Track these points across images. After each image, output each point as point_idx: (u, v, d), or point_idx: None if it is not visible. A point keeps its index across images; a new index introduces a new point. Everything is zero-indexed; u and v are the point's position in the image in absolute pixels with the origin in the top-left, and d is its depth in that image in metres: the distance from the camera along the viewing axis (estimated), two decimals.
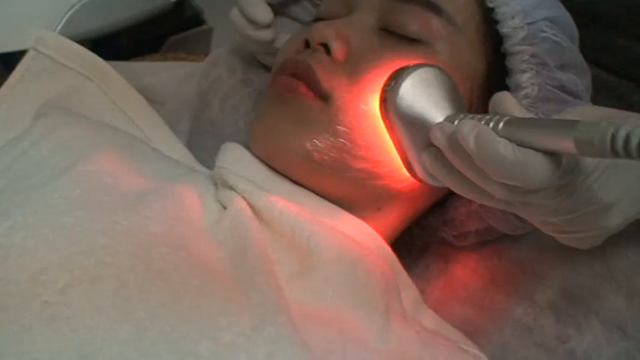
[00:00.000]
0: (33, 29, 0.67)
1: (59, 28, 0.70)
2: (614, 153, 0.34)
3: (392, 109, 0.49)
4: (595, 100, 0.64)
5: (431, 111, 0.49)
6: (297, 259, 0.49)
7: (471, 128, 0.41)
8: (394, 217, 0.57)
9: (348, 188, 0.54)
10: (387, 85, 0.51)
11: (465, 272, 0.64)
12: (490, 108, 0.45)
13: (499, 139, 0.40)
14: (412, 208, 0.58)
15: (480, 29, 0.55)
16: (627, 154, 0.33)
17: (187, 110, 0.68)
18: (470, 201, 0.61)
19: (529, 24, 0.54)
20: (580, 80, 0.58)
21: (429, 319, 0.57)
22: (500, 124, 0.41)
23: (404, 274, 0.56)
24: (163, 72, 0.72)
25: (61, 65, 0.66)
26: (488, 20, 0.55)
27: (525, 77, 0.54)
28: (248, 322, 0.40)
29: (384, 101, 0.51)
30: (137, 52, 0.86)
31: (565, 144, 0.37)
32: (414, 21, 0.53)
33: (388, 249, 0.55)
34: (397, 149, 0.52)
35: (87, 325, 0.38)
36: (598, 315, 0.61)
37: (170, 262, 0.42)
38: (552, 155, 0.40)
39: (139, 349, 0.37)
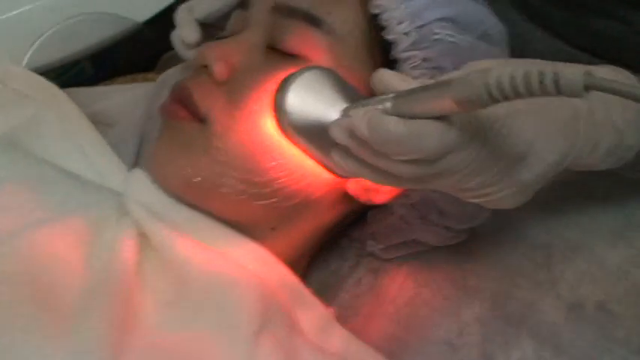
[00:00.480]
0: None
1: (27, 58, 0.75)
2: (493, 100, 0.34)
3: (286, 121, 0.49)
4: None
5: (326, 111, 0.48)
6: (173, 288, 0.50)
7: (362, 116, 0.40)
8: (292, 236, 0.56)
9: (235, 211, 0.54)
10: (275, 99, 0.51)
11: (393, 286, 0.62)
12: (374, 90, 0.44)
13: (388, 117, 0.39)
14: (312, 225, 0.57)
15: (366, 37, 0.53)
16: (504, 97, 0.33)
17: (136, 131, 0.70)
18: (390, 213, 0.59)
19: (419, 27, 0.52)
20: None
21: (337, 340, 0.55)
22: (388, 103, 0.41)
23: (306, 295, 0.55)
24: (117, 95, 0.75)
25: (25, 96, 0.70)
26: (376, 26, 0.53)
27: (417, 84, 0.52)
28: (56, 349, 0.42)
29: (277, 116, 0.50)
30: (132, 70, 0.90)
31: (447, 105, 0.37)
32: (294, 36, 0.53)
33: (283, 270, 0.54)
34: (312, 158, 0.52)
35: None
36: (531, 330, 0.58)
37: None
38: (443, 119, 0.38)
39: None
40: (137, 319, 0.48)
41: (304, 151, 0.51)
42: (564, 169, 0.47)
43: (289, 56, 0.52)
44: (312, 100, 0.48)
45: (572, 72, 0.31)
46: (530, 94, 0.33)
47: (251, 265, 0.53)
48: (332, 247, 0.64)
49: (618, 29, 0.78)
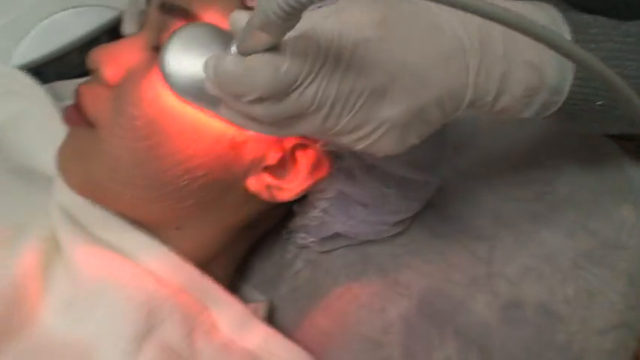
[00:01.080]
0: None
1: (16, 54, 0.79)
2: (287, 13, 0.32)
3: (175, 89, 0.46)
4: None
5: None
6: (71, 290, 0.52)
7: (211, 64, 0.39)
8: (199, 236, 0.55)
9: (135, 212, 0.53)
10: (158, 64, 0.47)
11: (327, 279, 0.60)
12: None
13: (227, 57, 0.38)
14: (220, 225, 0.55)
15: None
16: (289, 13, 0.31)
17: None
18: (313, 207, 0.57)
19: None
20: None
21: (256, 336, 0.55)
22: (235, 45, 0.39)
23: (220, 294, 0.55)
24: None
25: (11, 93, 0.75)
26: None
27: None
28: None
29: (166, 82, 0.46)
30: None
31: (263, 37, 0.35)
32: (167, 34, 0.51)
33: (191, 270, 0.53)
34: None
35: None
36: (458, 330, 0.54)
37: None
38: (275, 50, 0.37)
39: None
40: (31, 320, 0.50)
41: (205, 112, 0.47)
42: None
43: None
44: (193, 57, 0.45)
45: None
46: (305, 3, 0.30)
47: (150, 264, 0.53)
48: (275, 237, 0.63)
49: None
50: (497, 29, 0.41)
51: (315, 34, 0.37)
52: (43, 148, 0.66)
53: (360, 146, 0.42)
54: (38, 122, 0.71)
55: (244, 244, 0.60)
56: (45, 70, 0.81)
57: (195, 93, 0.45)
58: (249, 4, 0.50)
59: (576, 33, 0.44)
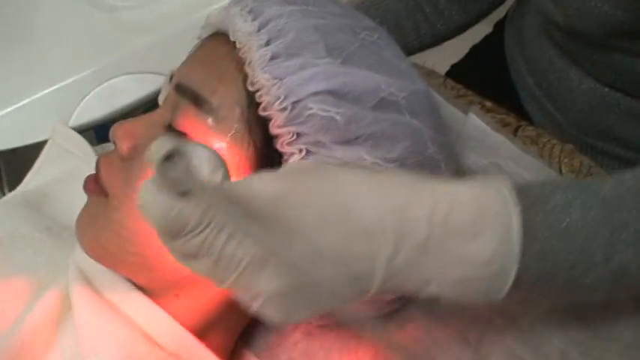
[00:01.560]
0: (52, 122, 0.85)
1: (75, 115, 0.87)
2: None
3: None
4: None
5: None
6: (74, 347, 0.56)
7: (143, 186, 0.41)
8: (196, 303, 0.57)
9: (139, 278, 0.57)
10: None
11: (320, 353, 0.61)
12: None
13: (148, 184, 0.40)
14: (216, 298, 0.57)
15: (245, 114, 0.53)
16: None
17: None
18: None
19: (295, 102, 0.52)
20: (376, 152, 0.52)
21: None
22: None
23: (208, 356, 0.57)
24: None
25: (68, 152, 0.82)
26: (256, 104, 0.53)
27: (295, 158, 0.52)
28: None
29: None
30: None
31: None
32: (183, 115, 0.54)
33: (183, 334, 0.56)
34: None
35: None
36: None
37: None
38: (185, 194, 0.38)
39: None
40: None
41: None
42: None
43: (181, 134, 0.54)
44: None
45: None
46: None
47: (150, 330, 0.56)
48: None
49: None
50: (425, 212, 0.41)
51: (213, 195, 0.39)
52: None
53: (253, 307, 0.41)
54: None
55: (245, 314, 0.62)
56: (100, 131, 0.88)
57: None
58: (249, 86, 0.53)
59: (524, 213, 0.43)
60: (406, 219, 0.41)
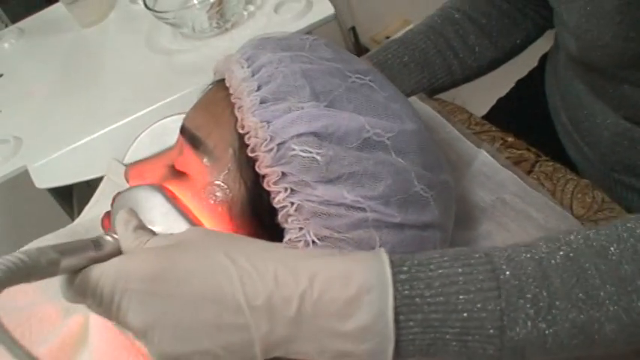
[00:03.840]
0: (108, 160, 0.95)
1: (128, 154, 0.96)
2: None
3: None
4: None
5: None
6: None
7: None
8: None
9: None
10: None
11: None
12: None
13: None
14: None
15: (236, 156, 0.58)
16: None
17: None
18: None
19: (280, 144, 0.56)
20: (358, 190, 0.56)
21: None
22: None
23: None
24: None
25: (120, 187, 0.91)
26: (246, 146, 0.58)
27: (281, 197, 0.56)
28: None
29: None
30: None
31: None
32: (183, 156, 0.61)
33: None
34: None
35: None
36: None
37: None
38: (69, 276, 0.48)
39: None
40: None
41: None
42: None
43: (180, 174, 0.61)
44: None
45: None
46: None
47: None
48: None
49: None
50: (292, 291, 0.46)
51: (95, 277, 0.47)
52: None
53: None
54: None
55: None
56: None
57: None
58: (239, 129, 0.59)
59: (398, 283, 0.46)
60: (279, 296, 0.46)
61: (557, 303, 0.46)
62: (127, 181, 0.65)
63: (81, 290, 0.48)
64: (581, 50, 0.71)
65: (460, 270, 0.47)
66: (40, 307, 0.69)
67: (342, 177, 0.56)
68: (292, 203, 0.55)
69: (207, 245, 0.49)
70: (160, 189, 0.59)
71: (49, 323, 0.68)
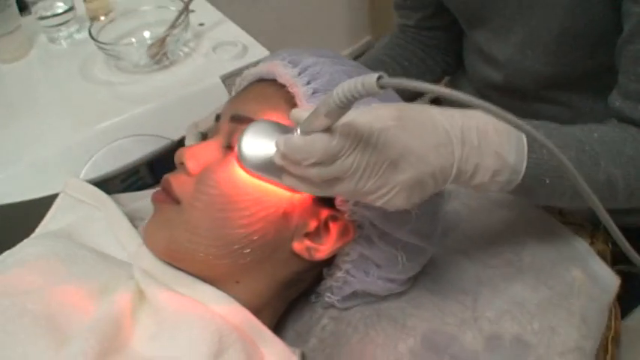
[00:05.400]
0: (64, 177, 1.00)
1: (83, 172, 1.02)
2: (340, 107, 0.54)
3: (247, 166, 0.69)
4: None
5: (272, 148, 0.67)
6: (156, 326, 0.71)
7: (282, 141, 0.62)
8: (253, 288, 0.75)
9: (206, 269, 0.74)
10: (235, 152, 0.70)
11: (348, 330, 0.80)
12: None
13: (293, 135, 0.61)
14: (270, 279, 0.76)
15: None
16: (345, 103, 0.54)
17: None
18: (339, 269, 0.78)
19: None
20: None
21: None
22: (298, 130, 0.62)
23: (267, 333, 0.73)
24: (144, 198, 1.00)
25: (80, 201, 0.97)
26: None
27: None
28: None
29: (241, 164, 0.69)
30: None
31: (323, 119, 0.57)
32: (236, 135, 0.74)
33: (245, 312, 0.73)
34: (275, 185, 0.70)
35: None
36: (452, 356, 0.74)
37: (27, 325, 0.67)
38: (329, 131, 0.58)
39: None
40: (126, 344, 0.69)
41: (269, 182, 0.70)
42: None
43: None
44: (262, 143, 0.68)
45: (371, 76, 0.51)
46: (355, 97, 0.52)
47: (217, 308, 0.72)
48: (304, 302, 0.83)
49: (562, 112, 0.96)
50: (474, 127, 0.66)
51: (355, 123, 0.60)
52: (107, 242, 0.88)
53: (379, 203, 0.64)
54: (102, 222, 0.92)
55: (285, 300, 0.80)
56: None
57: (264, 167, 0.68)
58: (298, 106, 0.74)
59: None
60: (469, 130, 0.65)
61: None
62: (179, 162, 0.76)
63: (344, 135, 0.59)
64: (509, 78, 0.97)
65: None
66: (82, 284, 0.74)
67: None
68: None
69: (420, 107, 0.66)
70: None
71: (71, 305, 0.72)
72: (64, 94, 1.13)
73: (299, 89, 0.75)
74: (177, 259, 0.75)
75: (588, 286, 0.81)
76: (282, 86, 0.77)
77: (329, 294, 0.81)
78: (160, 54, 1.14)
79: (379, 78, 0.51)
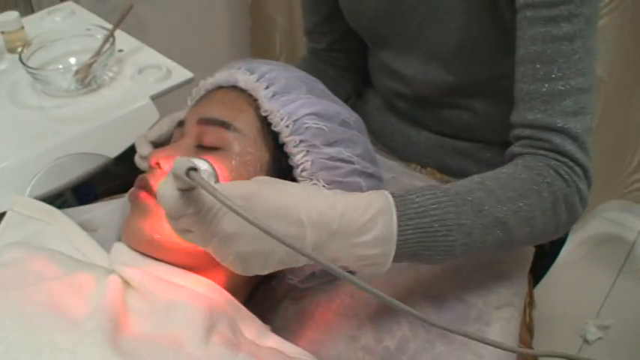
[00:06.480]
0: (9, 195, 1.03)
1: (28, 190, 1.06)
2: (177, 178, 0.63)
3: None
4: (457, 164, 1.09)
5: None
6: (148, 308, 0.78)
7: (161, 185, 0.67)
8: (229, 272, 0.82)
9: (186, 257, 0.82)
10: None
11: (311, 306, 0.90)
12: None
13: (169, 185, 0.65)
14: None
15: (260, 131, 0.84)
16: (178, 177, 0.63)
17: (115, 231, 1.01)
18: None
19: (295, 120, 0.84)
20: (348, 150, 0.86)
21: (272, 341, 0.82)
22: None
23: (244, 312, 0.82)
24: (98, 208, 1.06)
25: (29, 217, 1.01)
26: (267, 124, 0.85)
27: (299, 156, 0.84)
28: (75, 343, 0.69)
29: None
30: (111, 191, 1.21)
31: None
32: (214, 136, 0.84)
33: (225, 293, 0.82)
34: None
35: None
36: (407, 318, 0.86)
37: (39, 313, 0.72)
38: (182, 192, 0.64)
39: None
40: (126, 325, 0.75)
41: None
42: None
43: (211, 149, 0.84)
44: None
45: (183, 162, 0.62)
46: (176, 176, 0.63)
47: (200, 289, 0.81)
48: (266, 287, 0.93)
49: (466, 116, 1.12)
50: (333, 214, 0.71)
51: (202, 195, 0.65)
52: (65, 250, 0.93)
53: (225, 263, 0.71)
54: (56, 234, 0.98)
55: (251, 285, 0.89)
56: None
57: None
58: (263, 113, 0.85)
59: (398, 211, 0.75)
60: (326, 217, 0.71)
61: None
62: (157, 163, 0.84)
63: (190, 203, 0.65)
64: (416, 90, 1.13)
65: (431, 200, 0.78)
66: (74, 277, 0.80)
67: (337, 141, 0.87)
68: (307, 160, 0.83)
69: (276, 182, 0.72)
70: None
71: (87, 289, 0.80)
72: None
73: (260, 92, 0.86)
74: (160, 249, 0.82)
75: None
76: (243, 91, 0.87)
77: (290, 276, 0.91)
78: (88, 78, 1.20)
79: (190, 169, 0.62)
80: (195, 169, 0.63)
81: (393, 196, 0.75)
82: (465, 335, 0.70)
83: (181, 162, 0.62)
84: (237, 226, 0.67)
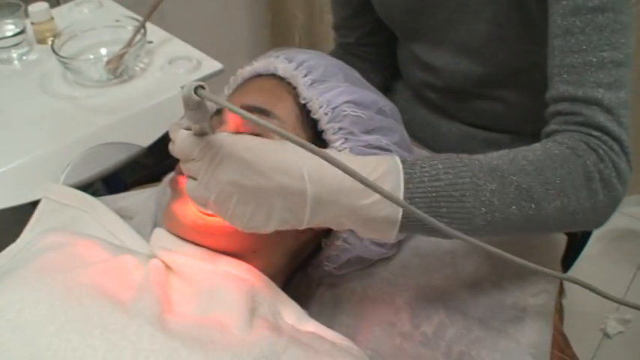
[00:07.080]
0: (43, 183, 1.05)
1: (62, 179, 1.08)
2: (190, 108, 0.63)
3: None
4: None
5: None
6: (191, 291, 0.79)
7: (175, 131, 0.71)
8: (269, 257, 0.85)
9: (228, 242, 0.83)
10: None
11: (346, 292, 0.91)
12: None
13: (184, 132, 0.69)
14: (284, 249, 0.86)
15: (299, 119, 0.85)
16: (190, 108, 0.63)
17: (151, 218, 1.02)
18: (337, 238, 0.89)
19: (333, 108, 0.85)
20: (385, 138, 0.87)
21: (310, 326, 0.84)
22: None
23: (283, 296, 0.84)
24: (133, 196, 1.07)
25: (64, 205, 1.02)
26: (305, 111, 0.86)
27: (338, 144, 0.85)
28: (125, 324, 0.71)
29: None
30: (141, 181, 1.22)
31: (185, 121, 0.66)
32: (246, 124, 0.85)
33: (265, 278, 0.83)
34: None
35: None
36: (444, 304, 0.87)
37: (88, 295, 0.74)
38: (201, 135, 0.67)
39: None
40: (171, 307, 0.76)
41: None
42: None
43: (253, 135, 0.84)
44: None
45: (190, 83, 0.61)
46: (186, 104, 0.63)
47: (240, 274, 0.82)
48: (302, 274, 0.94)
49: (497, 106, 1.13)
50: (332, 172, 0.68)
51: (215, 138, 0.68)
52: (103, 236, 0.94)
53: (224, 219, 0.72)
54: (92, 221, 0.99)
55: (289, 270, 0.90)
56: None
57: None
58: (302, 100, 0.86)
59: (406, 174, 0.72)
60: (327, 173, 0.69)
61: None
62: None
63: (196, 145, 0.67)
64: (447, 81, 1.13)
65: (444, 163, 0.74)
66: (117, 261, 0.82)
67: (375, 129, 0.87)
68: (346, 148, 0.84)
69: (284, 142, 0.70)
70: None
71: (131, 273, 0.81)
72: (30, 108, 1.18)
73: (299, 80, 0.87)
74: (201, 233, 0.82)
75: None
76: (282, 79, 0.88)
77: (327, 262, 0.92)
78: (119, 69, 1.22)
79: (198, 87, 0.61)
80: (203, 87, 0.62)
81: (404, 162, 0.73)
82: (507, 258, 0.71)
83: (189, 84, 0.62)
84: (238, 175, 0.68)
